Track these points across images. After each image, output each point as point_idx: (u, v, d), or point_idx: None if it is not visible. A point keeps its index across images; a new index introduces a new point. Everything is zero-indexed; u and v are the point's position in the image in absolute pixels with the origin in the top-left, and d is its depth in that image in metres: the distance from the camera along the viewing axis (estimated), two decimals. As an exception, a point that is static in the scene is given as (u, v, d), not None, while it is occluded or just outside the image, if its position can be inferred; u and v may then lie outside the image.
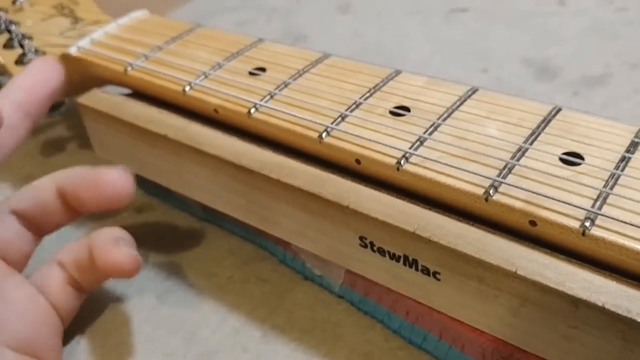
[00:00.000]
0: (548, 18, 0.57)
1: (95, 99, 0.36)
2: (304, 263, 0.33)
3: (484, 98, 0.29)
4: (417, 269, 0.26)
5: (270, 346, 0.31)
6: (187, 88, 0.33)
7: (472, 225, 0.25)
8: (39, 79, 0.36)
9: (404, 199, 0.26)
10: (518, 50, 0.53)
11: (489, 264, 0.23)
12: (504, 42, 0.55)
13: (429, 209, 0.26)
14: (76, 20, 0.45)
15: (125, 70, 0.36)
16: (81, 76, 0.39)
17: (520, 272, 0.23)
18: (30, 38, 0.42)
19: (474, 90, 0.30)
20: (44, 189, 0.32)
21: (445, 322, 0.27)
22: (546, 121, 0.27)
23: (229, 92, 0.32)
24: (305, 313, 0.32)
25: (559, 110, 0.28)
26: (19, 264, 0.32)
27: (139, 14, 0.42)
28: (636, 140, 0.26)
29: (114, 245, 0.30)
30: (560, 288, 0.22)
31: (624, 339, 0.21)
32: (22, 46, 0.41)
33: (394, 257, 0.26)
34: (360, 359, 0.30)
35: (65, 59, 0.38)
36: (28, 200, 0.32)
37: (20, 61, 0.41)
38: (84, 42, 0.39)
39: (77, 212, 0.32)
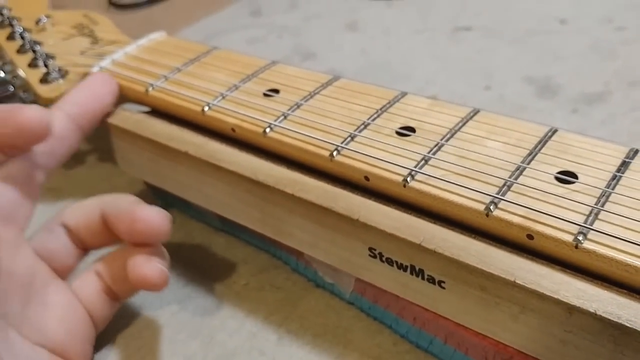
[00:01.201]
0: (549, 36, 0.59)
1: (120, 117, 0.38)
2: (316, 271, 0.35)
3: (485, 119, 0.31)
4: (423, 278, 0.28)
5: (285, 349, 0.33)
6: (206, 108, 0.35)
7: (474, 238, 0.27)
8: (92, 94, 0.37)
9: (410, 213, 0.28)
10: (520, 68, 0.55)
11: (490, 273, 0.25)
12: (507, 60, 0.57)
13: (434, 223, 0.28)
14: (96, 40, 0.47)
15: (147, 90, 0.38)
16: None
17: (518, 282, 0.25)
18: (53, 57, 0.45)
19: (476, 112, 0.32)
20: (91, 211, 0.33)
21: (450, 327, 0.29)
22: (543, 142, 0.29)
23: (245, 112, 0.34)
24: (317, 319, 0.34)
25: (555, 131, 0.30)
26: (63, 273, 0.33)
27: (157, 36, 0.44)
28: (627, 160, 0.27)
29: (147, 260, 0.31)
30: (556, 296, 0.24)
31: (615, 342, 0.23)
32: (46, 66, 0.44)
33: (401, 267, 0.28)
34: (370, 362, 0.32)
35: (89, 78, 0.40)
36: (77, 218, 0.34)
37: (45, 80, 0.43)
38: (106, 63, 0.41)
39: (117, 237, 0.34)
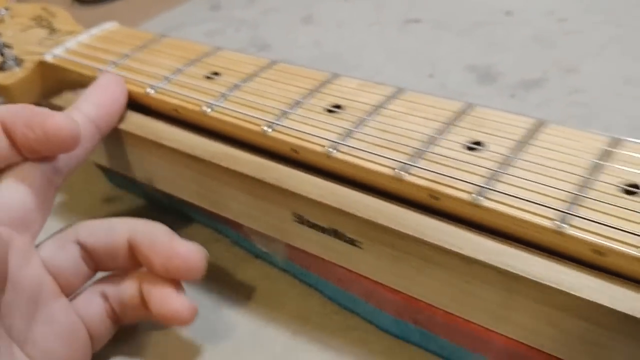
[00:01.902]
0: (495, 28, 0.62)
1: (65, 98, 0.40)
2: (254, 243, 0.37)
3: (409, 98, 0.34)
4: (343, 240, 0.30)
5: (224, 315, 0.36)
6: (151, 91, 0.37)
7: (388, 201, 0.29)
8: (109, 95, 0.36)
9: (334, 182, 0.31)
10: (464, 58, 0.58)
11: (401, 232, 0.28)
12: (452, 51, 0.59)
13: (354, 190, 0.30)
14: (53, 31, 0.49)
15: (95, 75, 0.40)
16: (55, 81, 0.43)
17: (426, 239, 0.27)
18: (10, 47, 0.46)
19: (400, 91, 0.34)
20: (117, 235, 0.32)
21: (370, 286, 0.31)
22: (458, 116, 0.32)
23: (187, 94, 0.36)
24: (253, 286, 0.37)
25: (472, 106, 0.32)
26: (67, 291, 0.32)
27: (109, 26, 0.46)
28: (533, 129, 0.30)
29: (176, 294, 0.30)
30: (457, 250, 0.26)
31: (508, 290, 0.26)
32: (2, 54, 0.45)
33: (324, 230, 0.30)
34: (301, 322, 0.34)
35: (42, 65, 0.42)
36: (99, 239, 0.32)
37: (1, 68, 0.45)
38: (59, 50, 0.43)
39: (139, 265, 0.32)
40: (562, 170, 0.27)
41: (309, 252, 0.33)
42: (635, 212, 0.25)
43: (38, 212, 0.30)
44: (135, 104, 0.39)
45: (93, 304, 0.32)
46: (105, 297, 0.32)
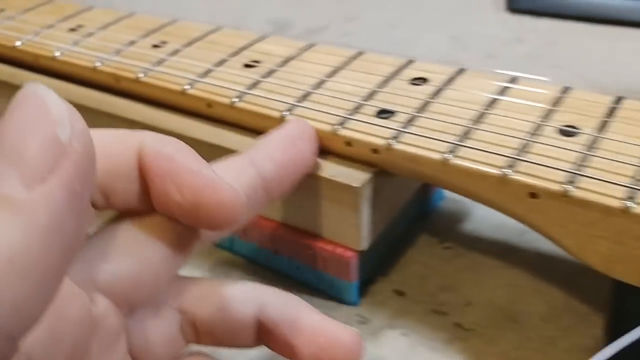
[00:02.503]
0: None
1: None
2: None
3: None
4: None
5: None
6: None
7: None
8: (295, 152, 0.29)
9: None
10: (267, 13, 0.66)
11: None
12: (258, 6, 0.68)
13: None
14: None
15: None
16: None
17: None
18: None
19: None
20: (239, 309, 0.25)
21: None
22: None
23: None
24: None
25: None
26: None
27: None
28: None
29: (337, 323, 0.25)
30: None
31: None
32: None
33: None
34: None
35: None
36: (212, 312, 0.25)
37: None
38: None
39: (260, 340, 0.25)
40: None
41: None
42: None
43: (153, 288, 0.23)
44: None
45: (158, 322, 0.24)
46: (184, 313, 0.25)
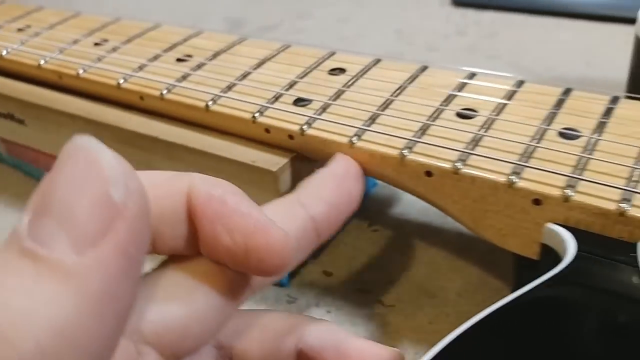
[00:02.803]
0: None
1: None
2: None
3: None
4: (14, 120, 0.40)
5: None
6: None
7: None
8: (344, 191, 0.28)
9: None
10: (224, 12, 0.70)
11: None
12: (217, 7, 0.72)
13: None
14: None
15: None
16: None
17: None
18: None
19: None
20: (276, 336, 0.24)
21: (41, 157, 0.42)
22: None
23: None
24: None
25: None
26: None
27: None
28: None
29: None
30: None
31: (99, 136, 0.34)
32: None
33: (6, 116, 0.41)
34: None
35: None
36: (252, 344, 0.24)
37: None
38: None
39: None
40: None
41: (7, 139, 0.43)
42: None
43: (201, 339, 0.22)
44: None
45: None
46: (230, 349, 0.24)
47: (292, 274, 0.36)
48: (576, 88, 0.31)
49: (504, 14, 0.63)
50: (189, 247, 0.22)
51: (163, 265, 0.22)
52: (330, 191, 0.27)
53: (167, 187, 0.22)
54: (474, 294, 0.34)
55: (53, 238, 0.16)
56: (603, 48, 0.55)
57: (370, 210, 0.41)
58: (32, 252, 0.16)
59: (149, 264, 0.21)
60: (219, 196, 0.21)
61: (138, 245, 0.17)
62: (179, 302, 0.21)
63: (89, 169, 0.16)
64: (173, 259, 0.22)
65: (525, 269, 0.29)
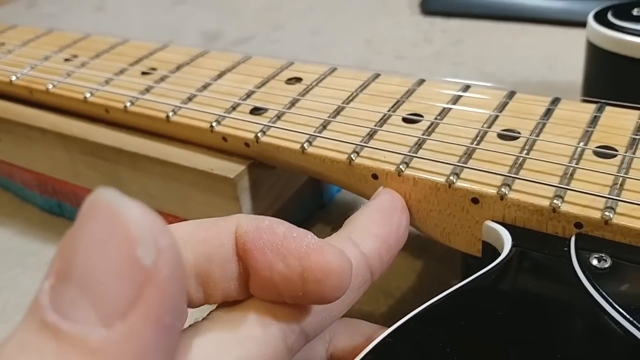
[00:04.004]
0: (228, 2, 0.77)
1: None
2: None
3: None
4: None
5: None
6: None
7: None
8: (395, 225, 0.27)
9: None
10: (201, 26, 0.72)
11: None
12: (194, 21, 0.74)
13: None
14: None
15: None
16: None
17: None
18: None
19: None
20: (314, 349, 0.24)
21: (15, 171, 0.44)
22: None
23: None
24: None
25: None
26: None
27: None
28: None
29: None
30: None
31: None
32: None
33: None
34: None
35: None
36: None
37: None
38: None
39: None
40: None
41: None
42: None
43: None
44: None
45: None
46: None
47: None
48: (520, 90, 0.33)
49: (470, 21, 0.64)
50: (240, 288, 0.21)
51: (212, 313, 0.21)
52: (379, 226, 0.26)
53: (214, 228, 0.21)
54: (430, 293, 0.35)
55: (76, 308, 0.14)
56: (565, 52, 0.57)
57: (334, 214, 0.42)
58: (54, 326, 0.14)
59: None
60: (267, 226, 0.21)
61: (173, 311, 0.15)
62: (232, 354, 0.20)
63: (113, 227, 0.15)
64: (223, 305, 0.21)
65: (472, 267, 0.30)
